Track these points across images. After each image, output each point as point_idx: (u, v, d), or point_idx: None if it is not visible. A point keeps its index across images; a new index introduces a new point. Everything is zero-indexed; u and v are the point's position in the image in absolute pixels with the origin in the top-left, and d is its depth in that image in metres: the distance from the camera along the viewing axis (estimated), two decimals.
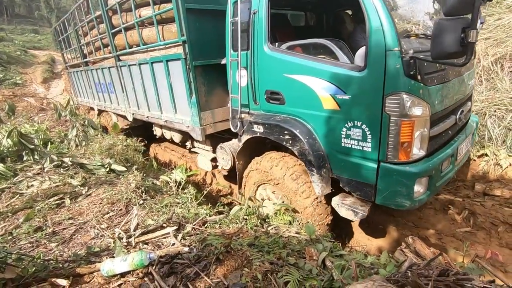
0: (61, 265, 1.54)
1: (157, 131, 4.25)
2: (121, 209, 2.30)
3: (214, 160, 3.30)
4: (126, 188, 2.57)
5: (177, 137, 3.80)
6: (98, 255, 1.68)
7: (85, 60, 5.24)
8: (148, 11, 2.99)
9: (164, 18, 2.88)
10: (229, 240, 1.62)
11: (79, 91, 6.54)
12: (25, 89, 11.29)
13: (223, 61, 2.60)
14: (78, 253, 1.67)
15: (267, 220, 2.38)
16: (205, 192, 2.72)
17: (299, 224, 2.17)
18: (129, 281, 1.41)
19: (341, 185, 1.98)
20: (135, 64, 3.52)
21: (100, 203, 2.39)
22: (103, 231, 1.98)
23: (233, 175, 2.98)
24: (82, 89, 6.21)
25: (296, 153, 2.08)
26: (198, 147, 3.53)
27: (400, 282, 0.85)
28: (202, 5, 2.56)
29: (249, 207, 2.39)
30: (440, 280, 0.78)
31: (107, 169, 2.98)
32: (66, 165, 3.08)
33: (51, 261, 1.59)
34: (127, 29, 3.49)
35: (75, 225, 2.09)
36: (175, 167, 4.09)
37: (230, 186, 3.96)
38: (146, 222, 2.03)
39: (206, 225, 2.03)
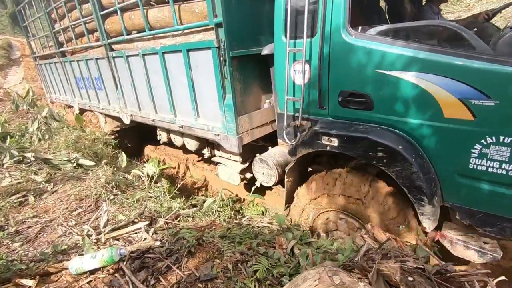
0: (26, 266, 1.88)
1: (163, 136, 4.46)
2: (90, 205, 2.77)
3: (243, 171, 3.47)
4: (95, 184, 3.06)
5: (192, 145, 3.99)
6: (66, 253, 2.07)
7: (61, 50, 5.52)
8: None
9: None
10: (201, 233, 2.08)
11: (53, 87, 6.94)
12: None
13: (265, 51, 2.64)
14: (45, 252, 2.05)
15: (240, 211, 3.03)
16: (178, 186, 3.23)
17: (271, 216, 2.73)
18: (99, 278, 1.77)
19: (457, 217, 2.01)
20: (136, 55, 3.56)
21: (68, 200, 2.87)
22: (71, 229, 2.40)
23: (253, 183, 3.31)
24: (58, 85, 6.57)
25: (394, 176, 2.05)
26: (221, 156, 3.68)
27: (350, 267, 1.25)
28: None
29: (223, 199, 2.92)
30: (382, 263, 1.18)
31: (74, 164, 3.52)
32: (28, 160, 3.62)
33: (15, 261, 1.95)
34: (124, 9, 3.54)
35: (40, 224, 2.53)
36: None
37: (206, 179, 4.91)
38: (117, 218, 2.47)
39: (179, 219, 2.48)
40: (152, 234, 2.26)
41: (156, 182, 3.37)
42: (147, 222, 2.36)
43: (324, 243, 2.12)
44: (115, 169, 3.76)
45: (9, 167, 3.55)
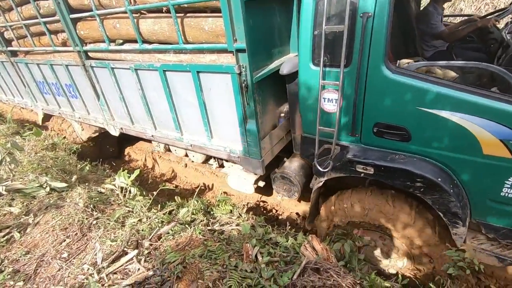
0: None
1: (161, 147, 4.46)
2: (76, 233, 2.91)
3: (256, 181, 3.49)
4: (74, 209, 3.18)
5: (198, 157, 4.00)
6: None
7: (10, 49, 4.92)
8: None
9: (185, 7, 2.56)
10: (184, 254, 2.48)
11: (1, 87, 6.39)
12: None
13: (285, 71, 2.57)
14: None
15: (211, 212, 3.41)
16: (153, 197, 3.44)
17: (238, 214, 3.25)
18: None
19: (483, 231, 2.30)
20: (127, 69, 3.25)
21: (53, 231, 2.98)
22: (67, 261, 2.63)
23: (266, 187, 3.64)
24: (9, 86, 6.04)
25: (431, 203, 2.21)
26: (232, 168, 3.65)
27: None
28: None
29: (196, 203, 3.28)
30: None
31: (47, 189, 3.54)
32: None
33: None
34: (105, 16, 3.16)
35: (34, 259, 2.68)
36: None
37: (173, 170, 5.52)
38: (106, 243, 2.72)
39: (161, 239, 2.75)
40: (143, 262, 2.55)
41: (130, 192, 3.56)
42: (136, 251, 2.63)
43: (280, 239, 2.65)
44: (86, 184, 3.83)
45: None
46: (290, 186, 3.08)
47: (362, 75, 2.16)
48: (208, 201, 3.81)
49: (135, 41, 3.17)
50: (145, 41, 3.04)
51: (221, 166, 3.93)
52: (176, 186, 5.16)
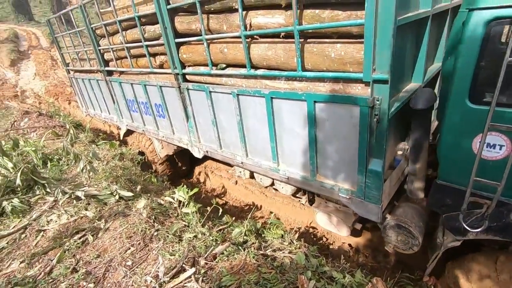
0: None
1: (246, 174, 4.21)
2: (140, 243, 3.04)
3: (354, 222, 3.22)
4: (139, 219, 3.36)
5: (287, 189, 3.68)
6: None
7: (108, 69, 5.22)
8: (273, 18, 2.50)
9: (307, 32, 2.39)
10: (239, 278, 2.45)
11: (92, 103, 6.73)
12: None
13: (420, 105, 2.28)
14: None
15: (262, 235, 3.37)
16: (207, 213, 3.50)
17: (290, 240, 3.16)
18: None
19: None
20: (228, 93, 3.17)
21: (120, 238, 3.14)
22: (131, 269, 2.73)
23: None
24: (99, 102, 6.33)
25: None
26: (327, 205, 3.32)
27: None
28: (412, 14, 2.17)
29: (248, 224, 3.20)
30: None
31: (116, 197, 3.82)
32: (77, 195, 3.81)
33: None
34: (211, 40, 3.13)
35: (103, 263, 2.82)
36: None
37: (223, 186, 5.73)
38: (166, 256, 2.79)
39: (217, 259, 2.75)
40: (201, 281, 2.50)
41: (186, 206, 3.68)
42: (193, 269, 2.61)
43: (336, 275, 2.46)
44: (148, 194, 4.05)
45: (63, 203, 3.80)
46: (407, 238, 2.59)
47: None
48: (258, 222, 3.77)
49: (239, 66, 3.10)
50: (252, 67, 2.92)
51: (311, 201, 3.53)
52: (226, 203, 5.24)
